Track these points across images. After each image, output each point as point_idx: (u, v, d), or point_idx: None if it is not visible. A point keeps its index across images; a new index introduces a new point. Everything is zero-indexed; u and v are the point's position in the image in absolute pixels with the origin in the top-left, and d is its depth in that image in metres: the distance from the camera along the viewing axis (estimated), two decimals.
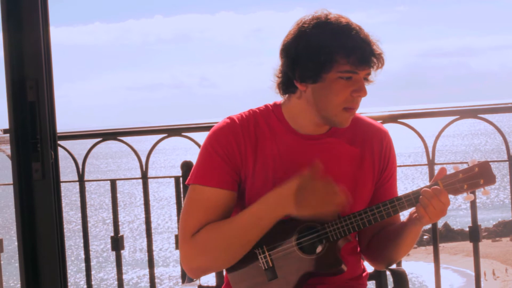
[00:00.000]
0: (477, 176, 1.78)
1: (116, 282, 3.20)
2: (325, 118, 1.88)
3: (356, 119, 1.99)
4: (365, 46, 1.81)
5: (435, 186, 1.81)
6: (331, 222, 1.83)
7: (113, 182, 3.18)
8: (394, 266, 2.13)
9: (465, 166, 1.83)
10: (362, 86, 1.84)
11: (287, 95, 1.94)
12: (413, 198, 1.83)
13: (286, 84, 1.91)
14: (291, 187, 1.80)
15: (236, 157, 1.88)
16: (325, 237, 1.83)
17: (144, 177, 3.11)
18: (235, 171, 1.89)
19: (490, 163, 1.81)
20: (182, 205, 1.94)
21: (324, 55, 1.79)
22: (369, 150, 1.98)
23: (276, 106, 1.96)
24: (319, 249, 1.84)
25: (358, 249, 2.05)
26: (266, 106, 1.97)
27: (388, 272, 2.15)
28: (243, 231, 1.83)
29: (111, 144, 3.33)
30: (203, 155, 1.92)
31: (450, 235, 37.99)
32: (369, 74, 1.86)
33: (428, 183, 2.88)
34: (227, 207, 1.89)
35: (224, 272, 2.03)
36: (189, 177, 1.93)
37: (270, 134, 1.92)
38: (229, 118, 1.93)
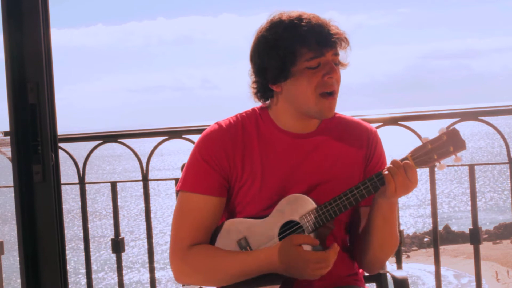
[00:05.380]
0: (446, 144, 1.76)
1: (116, 282, 3.20)
2: (308, 112, 1.90)
3: (344, 119, 2.02)
4: (320, 29, 1.84)
5: (406, 161, 1.80)
6: (309, 213, 1.84)
7: (113, 184, 3.18)
8: (395, 269, 2.12)
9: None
10: (332, 67, 1.85)
11: (269, 100, 1.97)
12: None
13: (262, 91, 1.94)
14: (288, 253, 1.79)
15: (224, 163, 1.91)
16: (305, 229, 1.84)
17: (145, 179, 3.11)
18: (223, 177, 1.91)
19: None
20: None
21: (284, 49, 1.83)
22: (357, 145, 1.99)
23: (262, 109, 1.99)
24: None
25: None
26: (253, 109, 2.00)
27: (389, 277, 2.14)
28: (230, 276, 1.87)
29: (115, 146, 3.32)
30: (191, 162, 1.95)
31: (451, 237, 37.95)
32: (336, 54, 1.88)
33: (429, 187, 2.91)
34: (216, 213, 1.93)
35: None
36: (178, 183, 1.96)
37: (257, 136, 1.94)
38: (217, 123, 1.97)
